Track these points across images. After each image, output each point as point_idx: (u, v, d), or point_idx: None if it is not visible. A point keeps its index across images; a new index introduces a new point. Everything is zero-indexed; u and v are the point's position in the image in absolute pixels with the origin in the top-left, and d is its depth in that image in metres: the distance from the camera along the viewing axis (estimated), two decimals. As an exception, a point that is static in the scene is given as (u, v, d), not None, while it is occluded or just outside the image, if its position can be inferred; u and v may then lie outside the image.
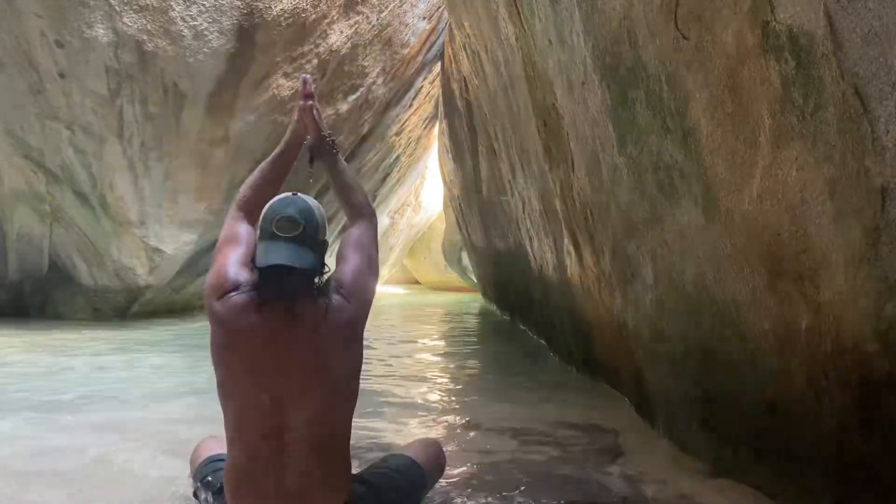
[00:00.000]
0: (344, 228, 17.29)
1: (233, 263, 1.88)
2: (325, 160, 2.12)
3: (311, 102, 2.12)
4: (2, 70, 7.96)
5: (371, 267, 1.97)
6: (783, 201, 1.96)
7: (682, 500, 2.53)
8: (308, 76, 2.16)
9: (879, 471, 1.88)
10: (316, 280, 1.84)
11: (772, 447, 2.38)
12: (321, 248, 1.88)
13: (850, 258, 1.76)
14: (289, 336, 1.77)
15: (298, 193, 1.93)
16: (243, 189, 2.09)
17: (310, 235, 1.83)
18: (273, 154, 2.14)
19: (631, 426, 3.62)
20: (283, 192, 2.00)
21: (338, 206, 12.19)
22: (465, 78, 8.76)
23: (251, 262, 1.87)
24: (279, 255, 1.75)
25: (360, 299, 1.87)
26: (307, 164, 2.20)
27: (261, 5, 8.25)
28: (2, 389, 4.56)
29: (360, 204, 2.11)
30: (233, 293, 1.80)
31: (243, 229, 1.99)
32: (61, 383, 4.81)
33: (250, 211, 2.04)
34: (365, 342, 1.97)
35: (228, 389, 1.82)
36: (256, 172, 2.12)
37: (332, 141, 2.13)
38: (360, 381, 1.95)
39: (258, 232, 1.85)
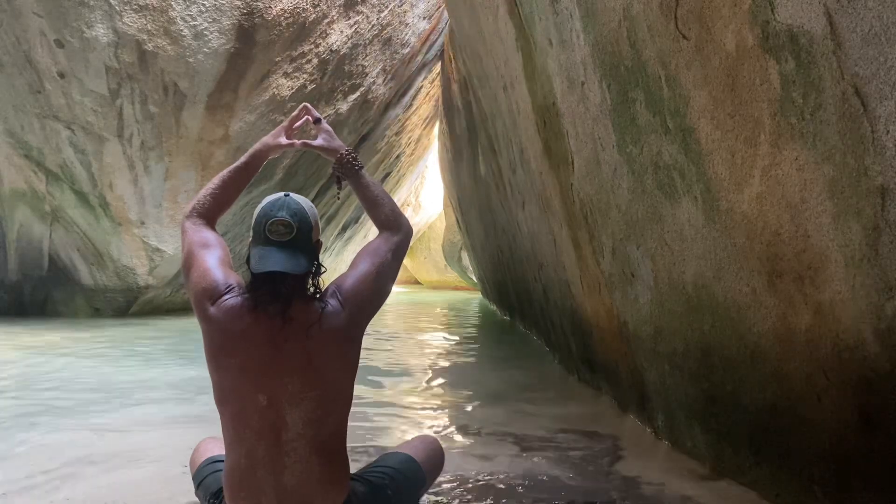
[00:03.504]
0: (345, 228, 17.16)
1: (217, 266, 1.89)
2: (350, 179, 2.12)
3: (323, 125, 2.14)
4: (2, 70, 7.96)
5: (378, 275, 1.94)
6: (783, 201, 1.95)
7: (681, 500, 2.53)
8: (307, 104, 2.18)
9: (879, 470, 1.88)
10: (310, 281, 1.84)
11: (772, 447, 2.38)
12: (314, 248, 1.89)
13: (849, 258, 1.75)
14: (282, 338, 1.77)
15: (290, 194, 1.92)
16: (201, 196, 2.07)
17: (303, 238, 1.83)
18: (236, 165, 2.12)
19: (631, 428, 3.62)
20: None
21: (338, 206, 12.11)
22: (465, 78, 8.75)
23: (235, 264, 1.89)
24: (274, 261, 1.76)
25: (356, 306, 1.87)
26: (335, 186, 2.21)
27: (261, 5, 8.26)
28: (3, 389, 4.56)
29: (387, 218, 2.08)
30: (226, 296, 1.81)
31: (210, 234, 2.01)
32: (62, 382, 4.81)
33: (210, 218, 2.05)
34: (363, 342, 1.97)
35: (224, 391, 1.82)
36: (217, 181, 2.10)
37: (354, 157, 2.13)
38: (357, 382, 1.95)
39: (251, 234, 1.85)
